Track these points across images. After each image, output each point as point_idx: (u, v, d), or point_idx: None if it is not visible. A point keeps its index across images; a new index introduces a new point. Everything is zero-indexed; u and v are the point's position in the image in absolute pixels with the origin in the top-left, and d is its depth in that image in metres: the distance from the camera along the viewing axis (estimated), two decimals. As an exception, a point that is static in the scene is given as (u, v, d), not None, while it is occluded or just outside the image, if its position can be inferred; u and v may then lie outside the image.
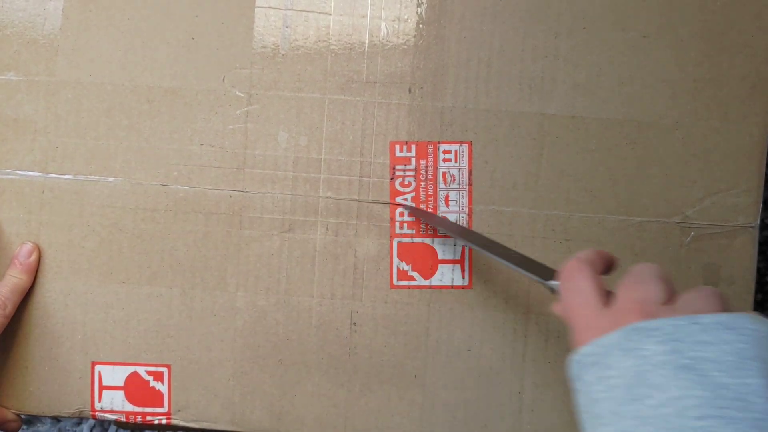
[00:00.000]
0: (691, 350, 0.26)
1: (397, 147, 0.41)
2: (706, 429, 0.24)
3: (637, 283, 0.29)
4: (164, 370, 0.42)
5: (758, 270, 0.42)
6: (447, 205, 0.41)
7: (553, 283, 0.32)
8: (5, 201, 0.42)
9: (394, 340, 0.42)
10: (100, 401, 0.42)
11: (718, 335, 0.26)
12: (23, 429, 0.45)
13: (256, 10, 0.42)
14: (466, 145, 0.41)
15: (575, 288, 0.30)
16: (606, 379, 0.27)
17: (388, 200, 0.41)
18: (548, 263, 0.41)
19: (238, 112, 0.42)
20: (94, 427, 0.54)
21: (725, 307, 0.28)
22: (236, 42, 0.42)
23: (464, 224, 0.41)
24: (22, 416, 0.48)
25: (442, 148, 0.41)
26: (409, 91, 0.41)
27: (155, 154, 0.42)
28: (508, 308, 0.41)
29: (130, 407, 0.43)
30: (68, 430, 0.54)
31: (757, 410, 0.25)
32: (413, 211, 0.41)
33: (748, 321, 0.27)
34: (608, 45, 0.41)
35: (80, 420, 0.55)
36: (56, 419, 0.54)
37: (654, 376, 0.26)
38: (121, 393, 0.42)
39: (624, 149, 0.41)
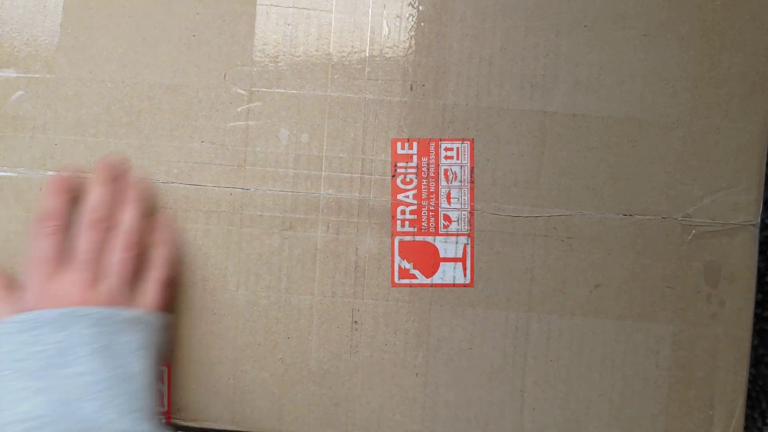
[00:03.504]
0: (109, 336, 0.35)
1: (399, 144, 0.41)
2: (105, 398, 0.34)
3: (84, 270, 0.37)
4: (164, 369, 0.42)
5: (758, 270, 0.42)
6: (449, 203, 0.41)
7: None
8: (3, 198, 0.42)
9: (395, 338, 0.42)
10: (98, 401, 0.42)
11: (131, 327, 0.36)
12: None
13: (257, 7, 0.42)
14: (468, 142, 0.41)
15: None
16: (37, 344, 0.34)
17: (389, 198, 0.41)
18: (550, 261, 0.41)
19: (239, 109, 0.42)
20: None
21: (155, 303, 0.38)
22: (237, 39, 0.42)
23: (466, 222, 0.41)
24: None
25: (443, 146, 0.41)
26: (411, 88, 0.41)
27: (155, 151, 0.42)
28: (509, 307, 0.41)
29: (128, 407, 0.42)
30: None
31: (139, 385, 0.35)
32: None
33: (151, 318, 0.38)
34: (609, 43, 0.41)
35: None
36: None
37: (76, 352, 0.34)
38: (120, 392, 0.42)
39: (625, 147, 0.41)
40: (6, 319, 0.36)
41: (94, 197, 0.39)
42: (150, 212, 0.41)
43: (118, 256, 0.38)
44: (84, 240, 0.38)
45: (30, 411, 0.33)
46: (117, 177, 0.41)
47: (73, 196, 0.40)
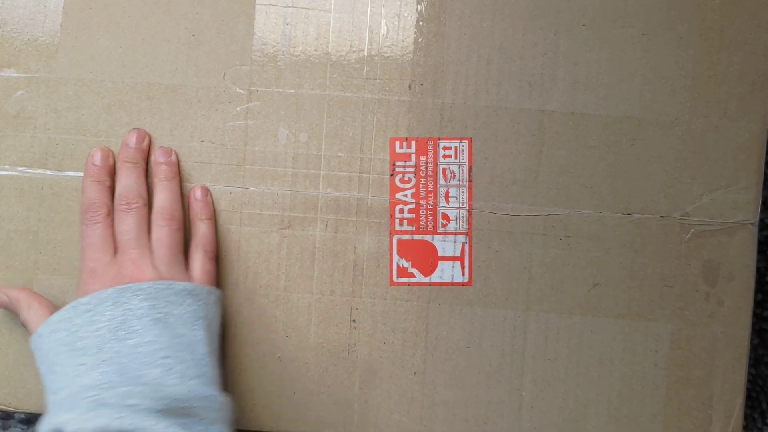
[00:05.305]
0: (165, 307, 0.36)
1: (397, 143, 0.41)
2: (168, 365, 0.35)
3: (131, 248, 0.38)
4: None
5: (758, 270, 0.42)
6: (447, 201, 0.41)
7: None
8: (4, 197, 0.42)
9: (393, 337, 0.42)
10: (98, 399, 0.42)
11: (184, 298, 0.37)
12: (22, 429, 0.45)
13: (256, 7, 0.42)
14: (466, 141, 0.41)
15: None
16: (95, 322, 0.35)
17: (388, 196, 0.41)
18: (548, 260, 0.41)
19: (238, 108, 0.42)
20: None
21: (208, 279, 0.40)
22: (236, 39, 0.42)
23: (464, 221, 0.41)
24: (20, 414, 0.47)
25: (442, 145, 0.41)
26: (409, 87, 0.41)
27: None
28: (507, 305, 0.41)
29: (128, 405, 0.42)
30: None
31: (199, 353, 0.36)
32: None
33: (204, 291, 0.38)
34: (608, 42, 0.41)
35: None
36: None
37: (135, 324, 0.35)
38: (120, 390, 0.42)
39: (623, 146, 0.41)
40: (64, 307, 0.37)
41: (123, 182, 0.40)
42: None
43: (159, 233, 0.39)
44: (122, 223, 0.39)
45: (92, 382, 0.34)
46: (144, 157, 0.41)
47: (112, 181, 0.41)
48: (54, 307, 0.40)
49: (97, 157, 0.41)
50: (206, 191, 0.41)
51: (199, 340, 0.37)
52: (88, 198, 0.40)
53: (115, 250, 0.39)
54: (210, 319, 0.38)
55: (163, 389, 0.34)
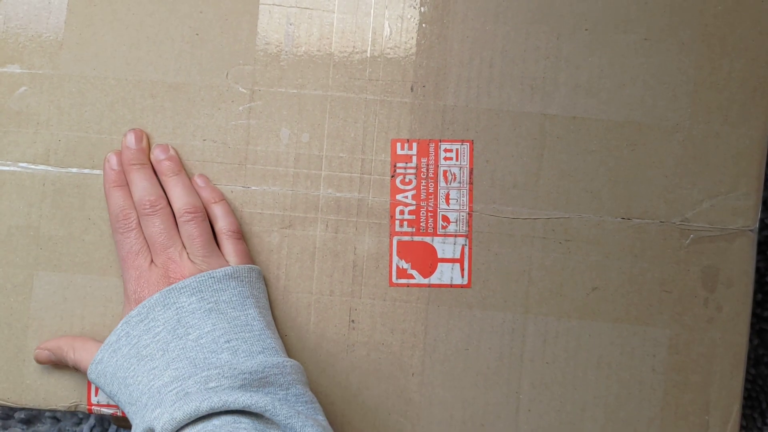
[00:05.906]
0: (212, 296, 0.37)
1: (399, 145, 0.41)
2: (233, 347, 0.36)
3: (167, 248, 0.39)
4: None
5: (758, 270, 0.42)
6: (447, 204, 0.41)
7: None
8: (6, 193, 0.42)
9: (392, 338, 0.42)
10: (96, 395, 0.42)
11: (228, 283, 0.38)
12: (22, 429, 0.45)
13: (260, 7, 0.42)
14: (468, 144, 0.41)
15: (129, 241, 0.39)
16: (152, 329, 0.36)
17: (388, 198, 0.41)
18: (547, 263, 0.41)
19: (240, 108, 0.42)
20: (93, 426, 0.54)
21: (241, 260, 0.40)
22: (240, 38, 0.42)
23: (464, 223, 0.41)
24: (21, 414, 0.47)
25: (443, 147, 0.41)
26: (412, 89, 0.41)
27: (157, 148, 0.42)
28: (506, 308, 0.41)
29: (126, 402, 0.42)
30: (68, 430, 0.54)
31: (257, 329, 0.37)
32: None
33: (245, 270, 0.39)
34: (610, 47, 0.41)
35: (80, 420, 0.55)
36: (56, 419, 0.54)
37: (190, 319, 0.36)
38: (118, 387, 0.42)
39: (624, 151, 0.41)
40: (117, 327, 0.38)
41: (138, 185, 0.40)
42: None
43: (188, 228, 0.39)
44: (152, 225, 0.39)
45: (169, 379, 0.35)
46: (147, 156, 0.41)
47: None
48: (94, 339, 0.40)
49: (114, 162, 0.41)
50: (205, 177, 0.42)
51: (253, 318, 0.38)
52: (116, 205, 0.40)
53: (152, 251, 0.39)
54: (257, 295, 0.39)
55: (236, 368, 0.35)
